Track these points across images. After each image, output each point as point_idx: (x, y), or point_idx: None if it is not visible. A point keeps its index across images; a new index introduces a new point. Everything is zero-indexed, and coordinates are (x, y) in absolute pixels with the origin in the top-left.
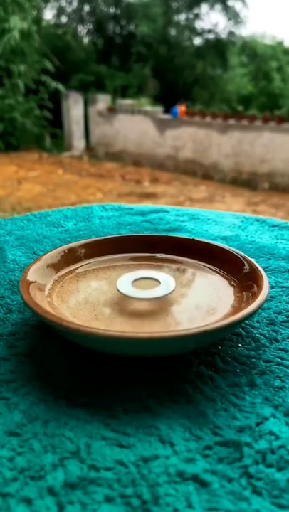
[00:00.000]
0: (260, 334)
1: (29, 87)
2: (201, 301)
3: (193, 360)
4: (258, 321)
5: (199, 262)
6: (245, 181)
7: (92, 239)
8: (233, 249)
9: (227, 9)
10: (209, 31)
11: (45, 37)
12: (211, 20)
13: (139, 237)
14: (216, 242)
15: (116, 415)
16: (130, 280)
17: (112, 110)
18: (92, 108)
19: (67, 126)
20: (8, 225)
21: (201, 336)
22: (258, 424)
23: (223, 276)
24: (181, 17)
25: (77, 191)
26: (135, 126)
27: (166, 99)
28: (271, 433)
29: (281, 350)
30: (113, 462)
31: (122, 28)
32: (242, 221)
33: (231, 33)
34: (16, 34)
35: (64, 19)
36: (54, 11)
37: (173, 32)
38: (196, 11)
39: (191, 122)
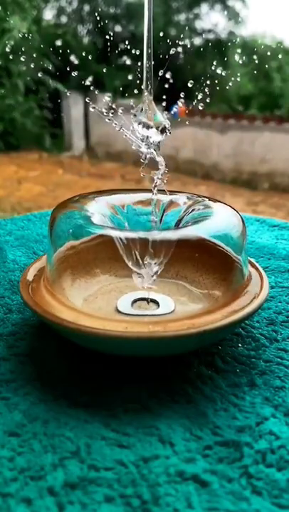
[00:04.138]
0: (260, 334)
1: (29, 87)
2: (201, 301)
3: (193, 360)
4: (258, 321)
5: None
6: (245, 181)
7: None
8: None
9: (227, 9)
10: (209, 31)
11: (45, 37)
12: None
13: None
14: None
15: (116, 415)
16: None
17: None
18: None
19: (67, 126)
20: (8, 225)
21: (201, 336)
22: (258, 424)
23: None
24: (181, 17)
25: (78, 191)
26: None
27: (166, 99)
28: (271, 433)
29: (281, 350)
30: (113, 462)
31: (122, 28)
32: None
33: (231, 33)
34: (16, 34)
35: (64, 19)
36: (54, 11)
37: (173, 32)
38: (196, 11)
39: (191, 122)
